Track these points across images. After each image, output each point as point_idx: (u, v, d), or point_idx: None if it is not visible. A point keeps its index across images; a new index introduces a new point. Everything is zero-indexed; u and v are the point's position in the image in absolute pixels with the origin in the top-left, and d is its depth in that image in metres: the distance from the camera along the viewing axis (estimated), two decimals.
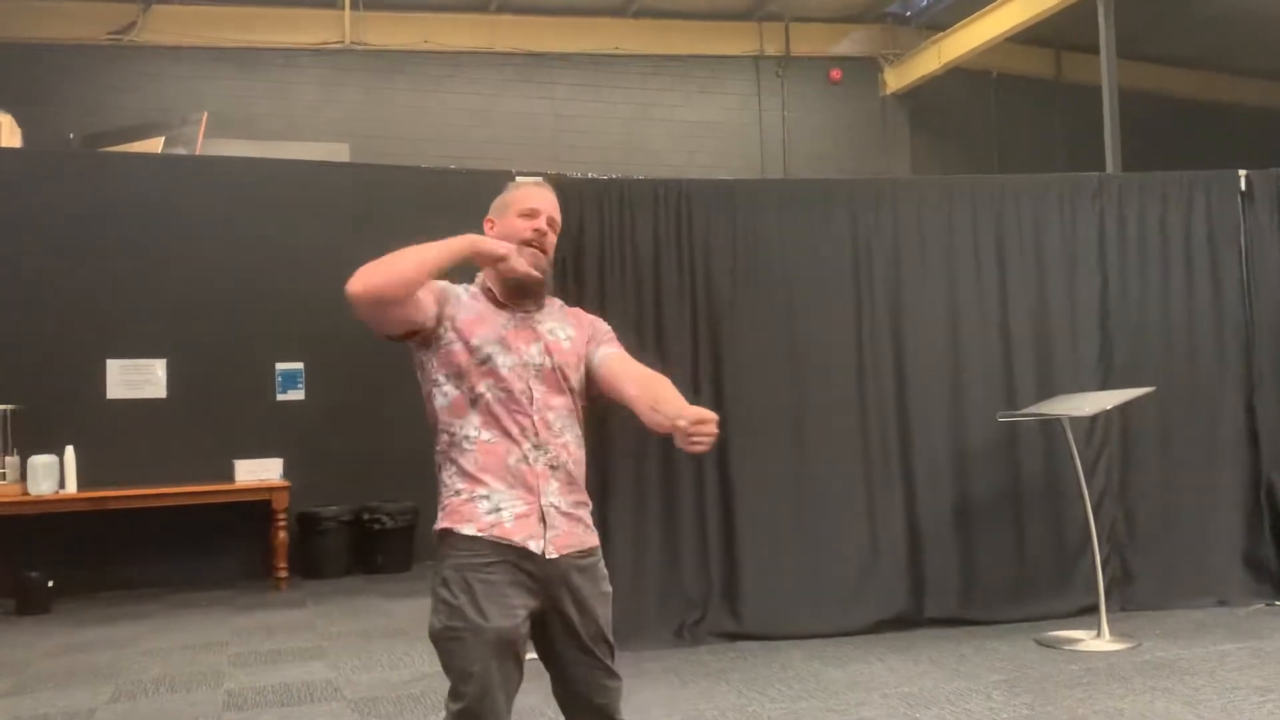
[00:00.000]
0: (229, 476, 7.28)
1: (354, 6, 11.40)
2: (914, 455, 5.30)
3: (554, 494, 2.30)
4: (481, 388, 2.31)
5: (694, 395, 5.10)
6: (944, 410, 5.34)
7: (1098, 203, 5.57)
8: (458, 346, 2.33)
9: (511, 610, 2.20)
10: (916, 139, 13.59)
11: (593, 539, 2.39)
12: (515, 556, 2.22)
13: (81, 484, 6.86)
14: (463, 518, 2.23)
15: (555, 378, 2.38)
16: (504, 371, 2.32)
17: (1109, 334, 5.50)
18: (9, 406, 6.92)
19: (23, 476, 6.78)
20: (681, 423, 2.13)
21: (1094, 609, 4.92)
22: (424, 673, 4.76)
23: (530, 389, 2.34)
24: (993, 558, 5.28)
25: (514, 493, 2.26)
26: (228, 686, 4.65)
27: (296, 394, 7.86)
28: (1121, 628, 4.96)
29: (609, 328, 2.56)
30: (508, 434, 2.29)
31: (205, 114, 10.00)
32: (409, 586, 7.12)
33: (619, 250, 5.12)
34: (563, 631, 2.30)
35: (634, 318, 5.00)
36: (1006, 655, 4.64)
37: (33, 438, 6.93)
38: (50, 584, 6.60)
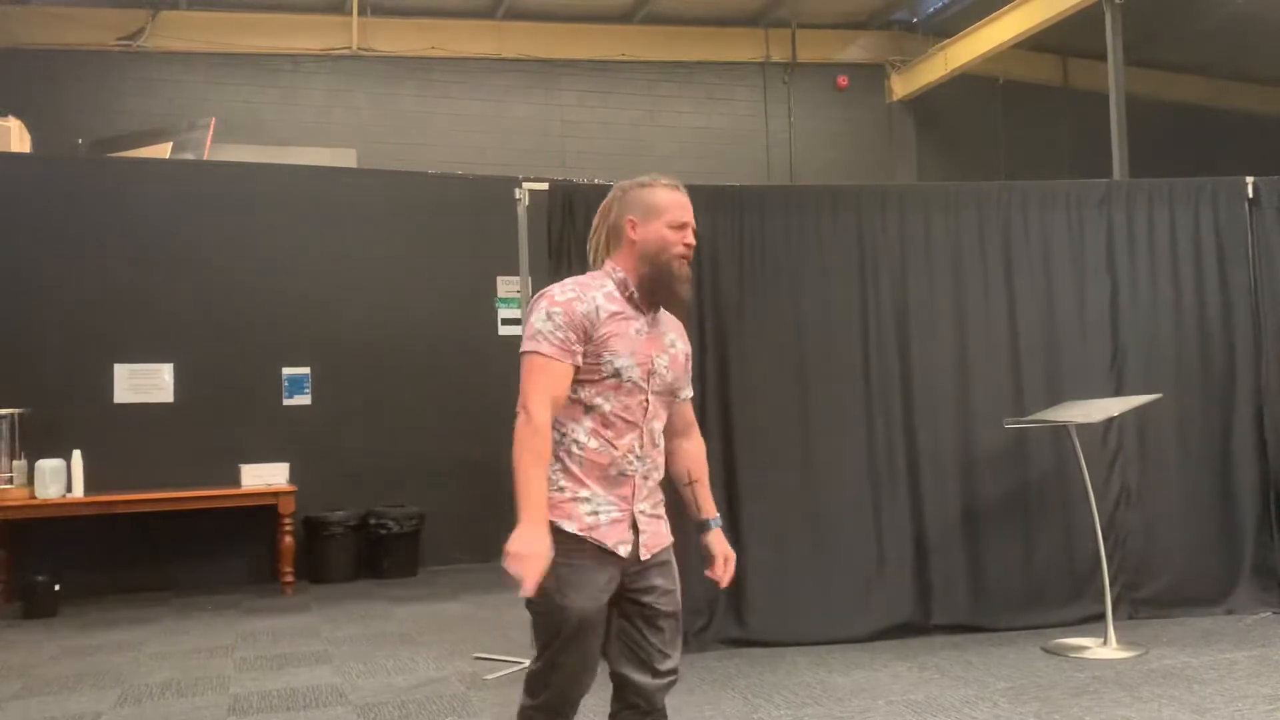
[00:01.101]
0: (235, 481, 7.30)
1: (362, 12, 11.43)
2: (921, 462, 5.29)
3: (643, 500, 2.48)
4: (600, 399, 2.41)
5: (701, 400, 5.10)
6: (951, 417, 5.33)
7: (1105, 209, 5.56)
8: (591, 359, 2.40)
9: (596, 596, 2.38)
10: (923, 145, 13.59)
11: (669, 536, 2.58)
12: (606, 555, 2.40)
13: (89, 488, 6.88)
14: (565, 514, 2.37)
15: (668, 390, 2.52)
16: (628, 386, 2.42)
17: (1120, 340, 5.49)
18: (17, 410, 6.94)
19: (30, 480, 6.80)
20: (722, 565, 2.66)
21: (1101, 617, 4.91)
22: (429, 678, 4.76)
23: (648, 402, 2.46)
24: (1000, 565, 5.27)
25: (611, 498, 2.42)
26: (234, 691, 4.65)
27: (303, 399, 7.87)
28: (1128, 636, 4.95)
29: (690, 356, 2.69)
30: (613, 445, 2.41)
31: (213, 119, 10.04)
32: (415, 591, 7.12)
33: None
34: (641, 611, 2.47)
35: None
36: (1013, 663, 4.63)
37: (40, 442, 6.96)
38: (57, 588, 6.61)
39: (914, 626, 5.17)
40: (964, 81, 12.99)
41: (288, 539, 7.16)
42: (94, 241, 7.43)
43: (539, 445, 2.31)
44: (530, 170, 10.37)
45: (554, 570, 2.31)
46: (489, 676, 4.73)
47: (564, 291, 2.42)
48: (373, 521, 7.65)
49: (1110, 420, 5.31)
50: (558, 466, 2.40)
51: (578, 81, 12.29)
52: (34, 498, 6.72)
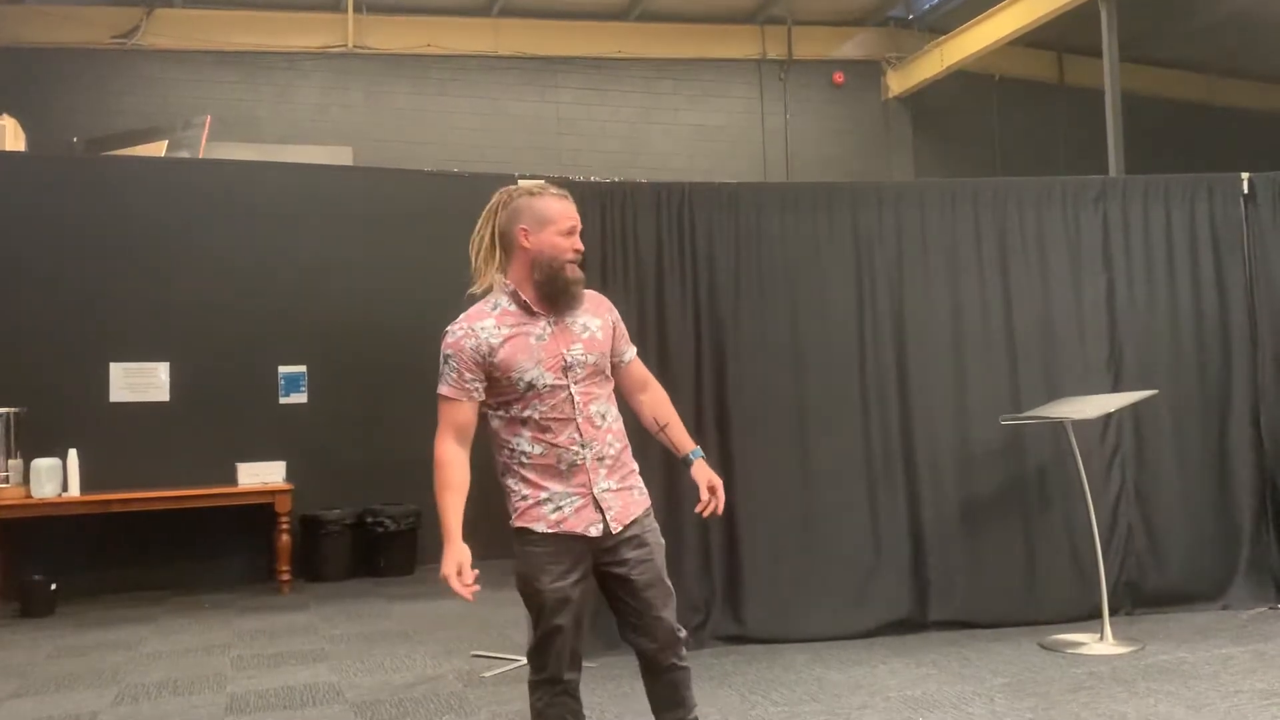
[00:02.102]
0: (232, 480, 7.29)
1: (357, 10, 11.42)
2: (917, 458, 5.30)
3: (603, 479, 2.66)
4: (528, 410, 2.62)
5: (697, 397, 5.11)
6: (948, 413, 5.33)
7: (1101, 206, 5.57)
8: (503, 381, 2.62)
9: (563, 576, 2.62)
10: (919, 142, 13.59)
11: (645, 502, 2.76)
12: (578, 540, 2.63)
13: (85, 487, 6.87)
14: (533, 518, 2.64)
15: (597, 369, 2.69)
16: (545, 392, 2.61)
17: (1117, 337, 5.49)
18: (12, 409, 6.92)
19: (26, 479, 6.79)
20: (707, 495, 2.79)
21: (1097, 613, 4.92)
22: (426, 675, 4.76)
23: (572, 395, 2.63)
24: (997, 561, 5.27)
25: (569, 489, 2.63)
26: (231, 689, 4.65)
27: (299, 397, 7.87)
28: (1125, 631, 4.96)
29: (620, 319, 2.85)
30: (556, 445, 2.62)
31: (208, 118, 10.01)
32: (411, 589, 7.12)
33: (622, 254, 5.13)
34: (620, 583, 2.68)
35: (636, 321, 4.99)
36: (1010, 659, 4.63)
37: (36, 441, 6.94)
38: (53, 587, 6.61)
39: (911, 623, 5.18)
40: (960, 78, 13.00)
41: (284, 537, 7.15)
42: (89, 240, 7.42)
43: (443, 476, 2.64)
44: (526, 168, 10.37)
45: (527, 559, 2.64)
46: (486, 674, 4.74)
47: (455, 331, 2.65)
48: (369, 520, 7.64)
49: (1108, 417, 5.32)
50: (515, 479, 2.67)
51: (574, 79, 12.29)
52: (30, 497, 6.71)
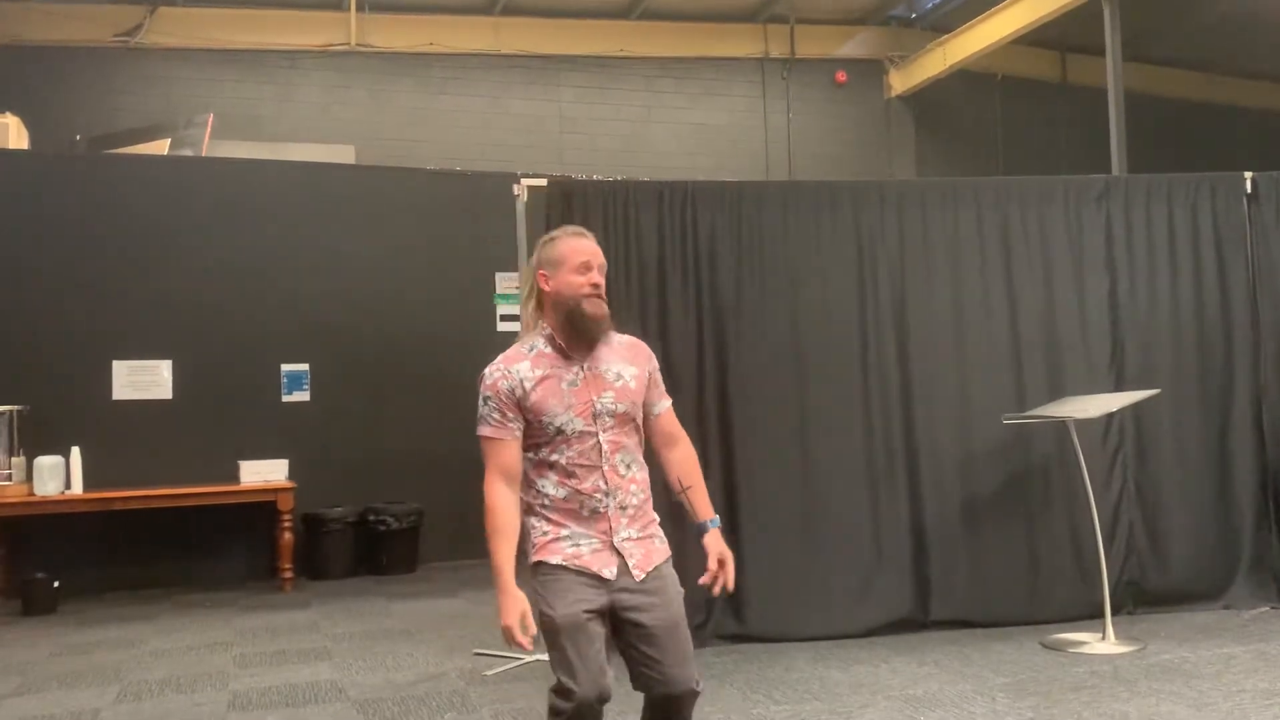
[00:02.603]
0: (234, 478, 7.30)
1: (359, 9, 11.41)
2: (920, 457, 5.29)
3: (624, 528, 2.65)
4: (555, 454, 2.63)
5: (699, 395, 5.11)
6: (950, 412, 5.33)
7: (1104, 205, 5.56)
8: (534, 423, 2.64)
9: (575, 604, 2.57)
10: (921, 141, 13.57)
11: (665, 551, 2.75)
12: (594, 578, 2.60)
13: (87, 485, 6.88)
14: (550, 552, 2.62)
15: (627, 418, 2.69)
16: (574, 437, 2.62)
17: (1119, 336, 5.49)
18: (15, 407, 6.94)
19: (29, 477, 6.80)
20: (715, 567, 2.76)
21: (1099, 612, 4.91)
22: (428, 673, 4.76)
23: (600, 442, 2.64)
24: (999, 560, 5.27)
25: (590, 533, 2.63)
26: (233, 687, 4.65)
27: (302, 395, 7.87)
28: (1127, 631, 4.96)
29: (658, 368, 2.85)
30: (580, 490, 2.62)
31: (211, 116, 10.02)
32: (413, 588, 7.13)
33: (624, 252, 5.12)
34: (635, 629, 2.62)
35: (638, 319, 5.00)
36: (1011, 658, 4.63)
37: (39, 438, 6.96)
38: (56, 584, 6.62)
39: (913, 622, 5.18)
40: (962, 77, 12.98)
41: (287, 535, 7.16)
42: (92, 238, 7.42)
43: (494, 523, 2.62)
44: (528, 166, 10.36)
45: (542, 589, 2.60)
46: (488, 672, 4.74)
47: (493, 372, 2.68)
48: (372, 518, 7.65)
49: (1110, 416, 5.32)
50: (537, 518, 2.67)
51: (576, 77, 12.28)
52: (33, 495, 6.72)
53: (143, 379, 7.47)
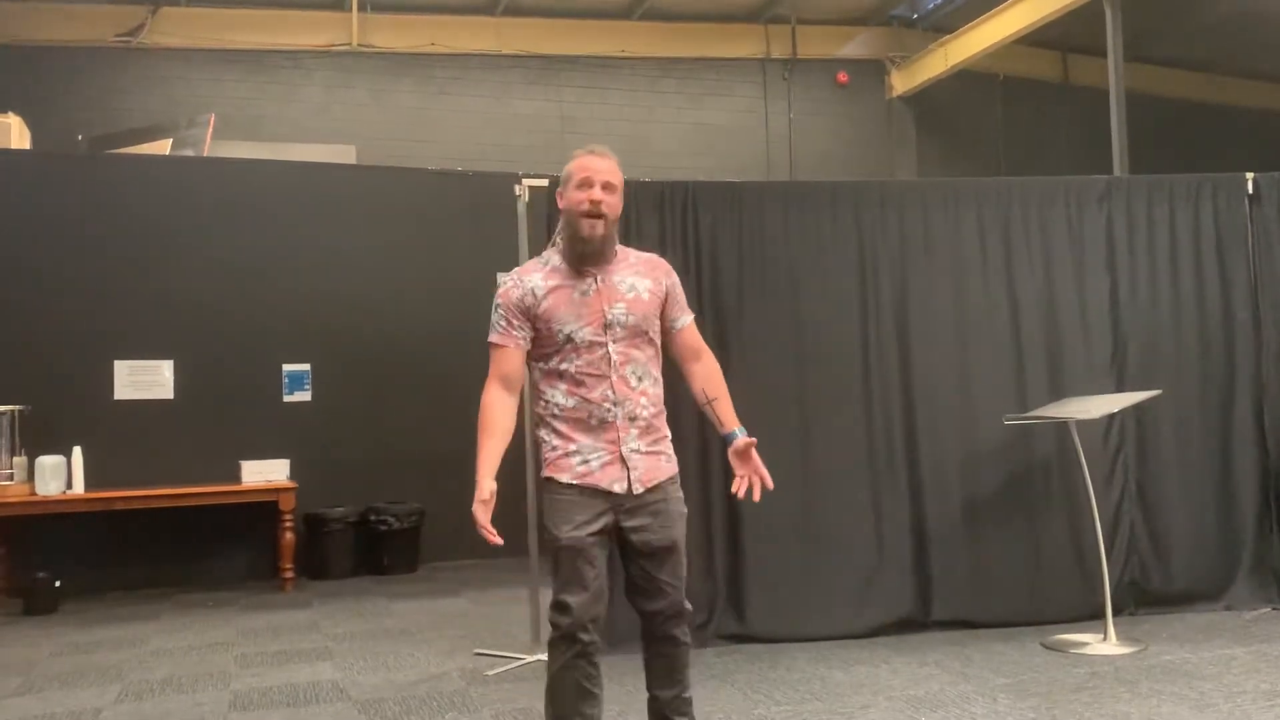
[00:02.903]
0: (236, 477, 7.30)
1: (361, 9, 11.42)
2: (921, 457, 5.30)
3: (633, 440, 2.70)
4: (565, 363, 2.69)
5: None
6: (951, 412, 5.33)
7: (1105, 205, 5.56)
8: (544, 331, 2.71)
9: (581, 526, 2.66)
10: (923, 141, 13.57)
11: (671, 469, 2.80)
12: (601, 495, 2.68)
13: (89, 484, 6.88)
14: (559, 469, 2.70)
15: (638, 330, 2.72)
16: (583, 345, 2.68)
17: (1120, 336, 5.49)
18: (16, 407, 6.94)
19: (30, 477, 6.80)
20: (755, 477, 2.86)
21: (1100, 612, 4.91)
22: (430, 673, 4.77)
23: (609, 352, 2.67)
24: (1000, 560, 5.27)
25: (598, 444, 2.68)
26: (234, 687, 4.66)
27: (303, 395, 7.88)
28: (1128, 631, 4.96)
29: (679, 284, 2.90)
30: (589, 399, 2.67)
31: (213, 116, 10.03)
32: (415, 587, 7.13)
33: None
34: (634, 544, 2.71)
35: None
36: (1012, 658, 4.63)
37: (40, 438, 6.96)
38: (57, 584, 6.62)
39: (913, 622, 5.18)
40: (964, 77, 12.98)
41: (288, 535, 7.16)
42: (94, 238, 7.43)
43: (484, 419, 2.72)
44: (530, 166, 10.35)
45: (549, 507, 2.71)
46: (490, 672, 4.74)
47: (505, 281, 2.78)
48: (373, 518, 7.65)
49: (1111, 417, 5.31)
50: (547, 430, 2.74)
51: (578, 78, 12.29)
52: (34, 494, 6.72)
53: (144, 379, 7.48)
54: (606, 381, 2.67)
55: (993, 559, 5.26)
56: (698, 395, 2.91)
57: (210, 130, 9.82)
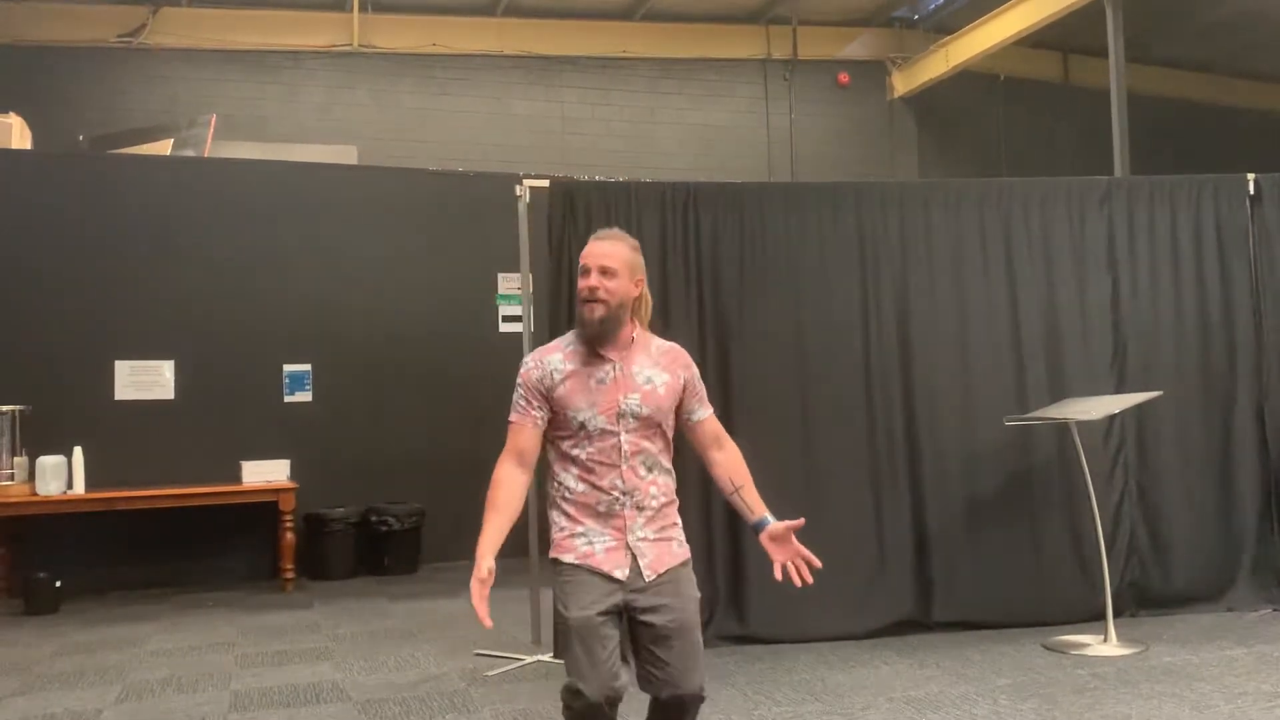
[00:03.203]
0: (236, 478, 7.30)
1: (362, 9, 11.42)
2: (922, 459, 5.29)
3: (640, 529, 2.71)
4: (577, 449, 2.71)
5: None
6: (952, 413, 5.33)
7: (1106, 206, 5.56)
8: (560, 415, 2.73)
9: (589, 605, 2.63)
10: (924, 142, 13.57)
11: (682, 554, 2.78)
12: (605, 578, 2.66)
13: (89, 484, 6.88)
14: (565, 549, 2.71)
15: (650, 423, 2.74)
16: (595, 433, 2.70)
17: (1121, 337, 5.49)
18: (17, 407, 6.94)
19: (31, 477, 6.80)
20: (799, 559, 2.86)
21: (1101, 614, 4.91)
22: (430, 674, 4.76)
23: (621, 444, 2.69)
24: (1001, 562, 5.27)
25: (605, 530, 2.69)
26: (234, 687, 4.66)
27: (304, 395, 7.88)
28: (1129, 633, 4.95)
29: (698, 376, 2.87)
30: (598, 487, 2.69)
31: (214, 116, 10.03)
32: (415, 588, 7.13)
33: None
34: (645, 629, 2.67)
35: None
36: (1013, 660, 4.63)
37: (41, 438, 6.96)
38: (58, 584, 6.62)
39: (914, 623, 5.18)
40: (965, 78, 12.97)
41: (288, 536, 7.16)
42: (95, 238, 7.43)
43: (492, 496, 2.71)
44: (531, 167, 10.37)
45: (559, 588, 2.69)
46: (489, 673, 4.74)
47: (527, 362, 2.81)
48: (373, 518, 7.65)
49: (1112, 418, 5.31)
50: (558, 511, 2.75)
51: (579, 78, 12.28)
52: (35, 494, 6.72)
53: (145, 379, 7.48)
54: (616, 470, 2.69)
55: (993, 560, 5.26)
56: (724, 485, 2.89)
57: (211, 130, 9.82)
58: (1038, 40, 12.56)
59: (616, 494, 2.68)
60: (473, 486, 8.54)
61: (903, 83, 13.46)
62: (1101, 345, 5.48)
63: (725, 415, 5.13)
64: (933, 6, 13.26)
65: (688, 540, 2.88)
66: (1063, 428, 5.22)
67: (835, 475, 5.20)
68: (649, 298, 2.88)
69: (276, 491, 7.21)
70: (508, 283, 8.37)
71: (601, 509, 2.69)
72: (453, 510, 7.95)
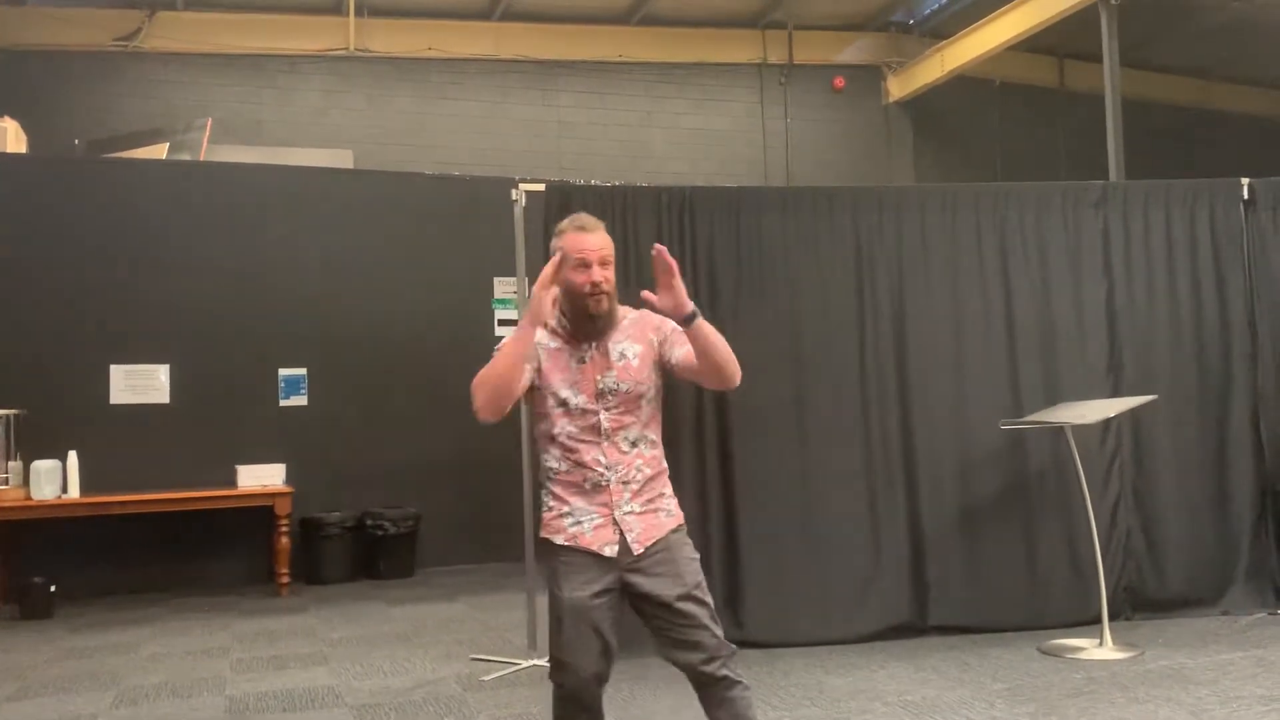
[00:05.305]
0: (232, 482, 7.29)
1: (359, 14, 11.42)
2: (918, 463, 5.30)
3: (627, 503, 2.70)
4: (558, 428, 2.71)
5: (697, 401, 5.11)
6: (948, 417, 5.33)
7: (1101, 211, 5.57)
8: (541, 393, 2.73)
9: (583, 586, 2.64)
10: (920, 147, 13.60)
11: (672, 522, 2.75)
12: (594, 558, 2.66)
13: (84, 489, 6.87)
14: (554, 530, 2.72)
15: (630, 396, 2.73)
16: (576, 413, 2.70)
17: (1117, 342, 5.50)
18: (12, 411, 6.93)
19: (26, 481, 6.79)
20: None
21: (1097, 618, 4.91)
22: (425, 679, 4.76)
23: (601, 420, 2.70)
24: (997, 566, 5.27)
25: (591, 508, 2.69)
26: (230, 692, 4.65)
27: (299, 400, 7.87)
28: (1124, 637, 4.96)
29: (667, 325, 2.79)
30: (581, 464, 2.69)
31: (210, 120, 10.02)
32: (411, 592, 7.12)
33: (622, 257, 5.10)
34: (647, 600, 2.67)
35: None
36: (1009, 664, 4.63)
37: (36, 442, 6.95)
38: (53, 589, 6.60)
39: (911, 627, 5.18)
40: (961, 83, 13.00)
41: (284, 540, 7.15)
42: (90, 242, 7.42)
43: (483, 374, 2.63)
44: (527, 171, 10.37)
45: (550, 569, 2.70)
46: (486, 678, 4.73)
47: None
48: (369, 522, 7.64)
49: (1108, 422, 5.32)
50: (546, 492, 2.77)
51: (575, 83, 12.29)
52: (30, 499, 6.71)
53: (140, 383, 7.47)
54: (597, 447, 2.69)
55: (989, 564, 5.26)
56: (703, 369, 2.75)
57: (207, 134, 9.81)
58: (1033, 45, 12.59)
59: (600, 469, 2.69)
60: (468, 491, 8.59)
61: (898, 87, 13.48)
62: (1097, 349, 5.49)
63: (721, 418, 5.16)
64: (928, 11, 13.29)
65: (698, 548, 2.86)
66: (1058, 432, 5.23)
67: (831, 479, 5.20)
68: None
69: (272, 496, 7.20)
70: (503, 287, 8.37)
71: (587, 486, 2.69)
72: (448, 514, 7.95)
